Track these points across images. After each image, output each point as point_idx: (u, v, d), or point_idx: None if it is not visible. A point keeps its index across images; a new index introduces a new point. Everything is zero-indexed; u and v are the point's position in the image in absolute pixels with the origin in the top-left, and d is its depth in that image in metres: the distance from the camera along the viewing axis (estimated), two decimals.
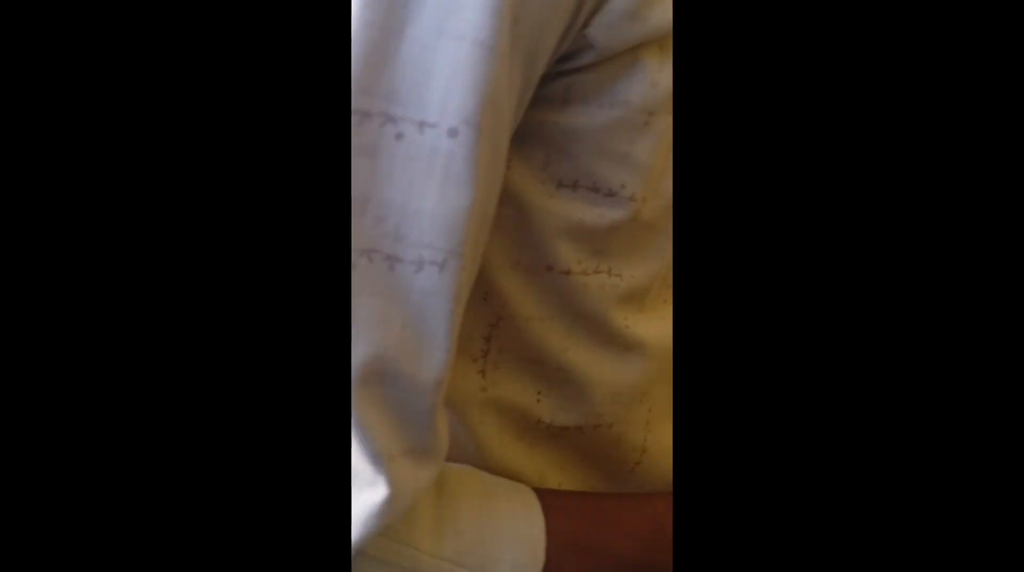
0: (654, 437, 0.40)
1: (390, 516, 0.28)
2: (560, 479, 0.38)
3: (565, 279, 0.33)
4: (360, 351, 0.27)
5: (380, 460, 0.27)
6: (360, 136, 0.26)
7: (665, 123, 0.31)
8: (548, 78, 0.29)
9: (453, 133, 0.25)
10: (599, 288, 0.34)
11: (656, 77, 0.30)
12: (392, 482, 0.27)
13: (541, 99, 0.30)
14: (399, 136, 0.26)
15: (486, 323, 0.34)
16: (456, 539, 0.31)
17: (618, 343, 0.35)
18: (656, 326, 0.37)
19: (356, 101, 0.26)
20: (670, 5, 0.29)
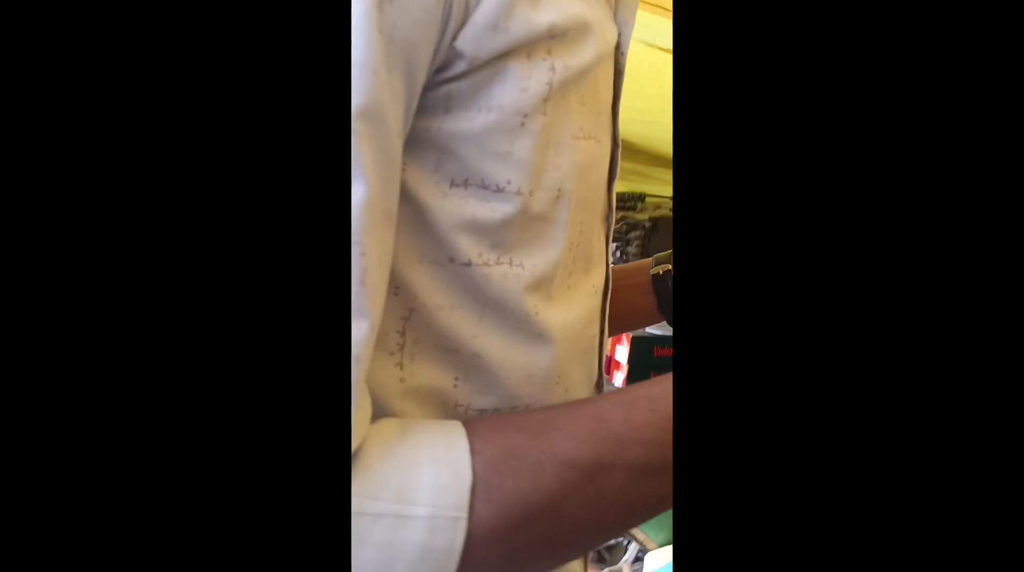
0: None
1: None
2: None
3: (467, 270, 0.36)
4: None
5: None
6: None
7: (539, 124, 0.35)
8: (429, 88, 0.32)
9: None
10: (503, 278, 0.37)
11: (525, 82, 0.34)
12: None
13: (426, 108, 0.33)
14: None
15: (399, 317, 0.36)
16: (365, 475, 0.30)
17: (528, 330, 0.38)
18: (562, 313, 0.40)
19: None
20: (530, 16, 0.33)
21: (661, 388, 0.35)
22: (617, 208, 2.86)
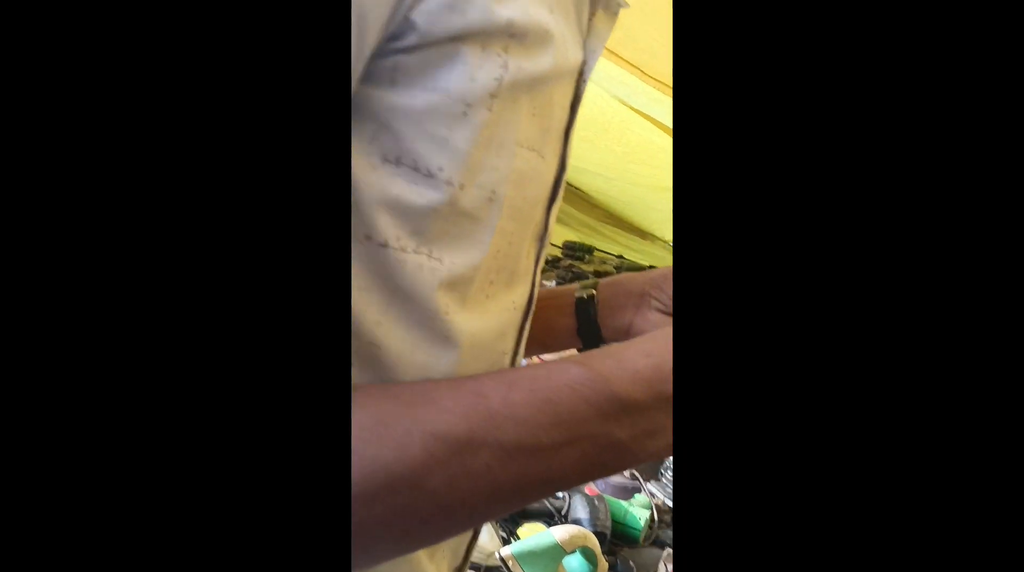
0: None
1: None
2: None
3: (383, 251, 0.35)
4: None
5: None
6: None
7: (482, 118, 0.34)
8: (379, 56, 0.32)
9: None
10: (418, 268, 0.35)
11: (475, 72, 0.33)
12: None
13: (373, 76, 0.32)
14: None
15: None
16: None
17: (434, 328, 0.36)
18: (475, 320, 0.39)
19: None
20: (490, 6, 0.33)
21: (544, 371, 0.34)
22: (565, 256, 2.92)
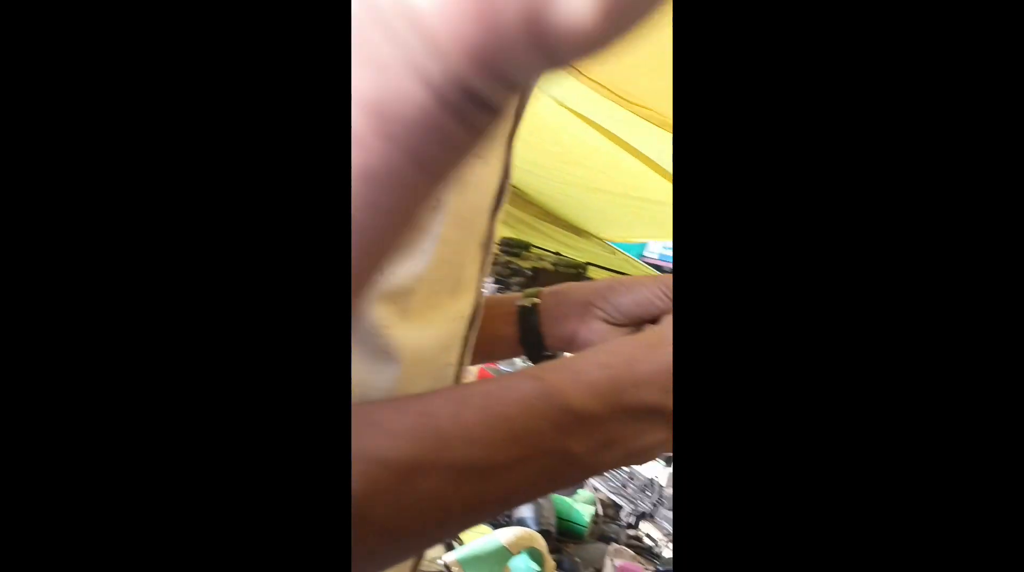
0: None
1: None
2: None
3: None
4: None
5: None
6: None
7: None
8: None
9: None
10: None
11: None
12: None
13: None
14: None
15: None
16: None
17: (371, 344, 0.35)
18: (417, 333, 0.38)
19: None
20: None
21: (496, 386, 0.32)
22: (502, 253, 2.92)
